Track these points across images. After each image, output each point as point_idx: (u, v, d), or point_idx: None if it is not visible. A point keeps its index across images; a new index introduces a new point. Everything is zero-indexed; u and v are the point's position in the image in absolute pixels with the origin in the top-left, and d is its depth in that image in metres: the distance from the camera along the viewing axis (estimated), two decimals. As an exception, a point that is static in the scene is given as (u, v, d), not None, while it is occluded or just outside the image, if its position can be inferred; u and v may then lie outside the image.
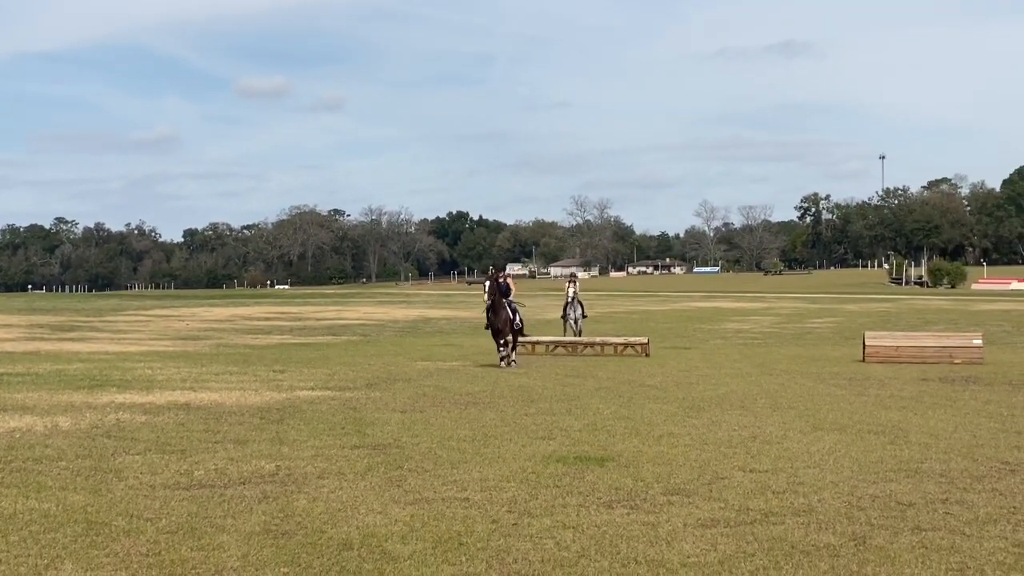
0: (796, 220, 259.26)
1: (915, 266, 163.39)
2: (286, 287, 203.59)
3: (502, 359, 26.45)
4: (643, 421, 15.61)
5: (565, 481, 10.80)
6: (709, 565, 7.74)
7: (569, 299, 36.62)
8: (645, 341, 31.74)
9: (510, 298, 27.42)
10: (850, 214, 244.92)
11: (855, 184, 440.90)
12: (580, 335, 35.70)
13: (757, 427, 15.02)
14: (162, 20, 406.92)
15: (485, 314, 27.18)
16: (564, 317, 37.03)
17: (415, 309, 75.79)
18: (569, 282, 37.77)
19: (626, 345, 31.58)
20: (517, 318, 27.22)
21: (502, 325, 26.64)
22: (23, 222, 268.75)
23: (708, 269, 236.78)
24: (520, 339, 28.17)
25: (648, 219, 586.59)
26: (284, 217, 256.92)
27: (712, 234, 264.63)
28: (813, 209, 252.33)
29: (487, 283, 27.21)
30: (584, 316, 37.54)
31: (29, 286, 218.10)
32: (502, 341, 26.60)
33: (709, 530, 8.76)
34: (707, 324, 54.54)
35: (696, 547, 8.23)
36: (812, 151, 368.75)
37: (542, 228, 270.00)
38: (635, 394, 19.59)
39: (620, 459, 12.16)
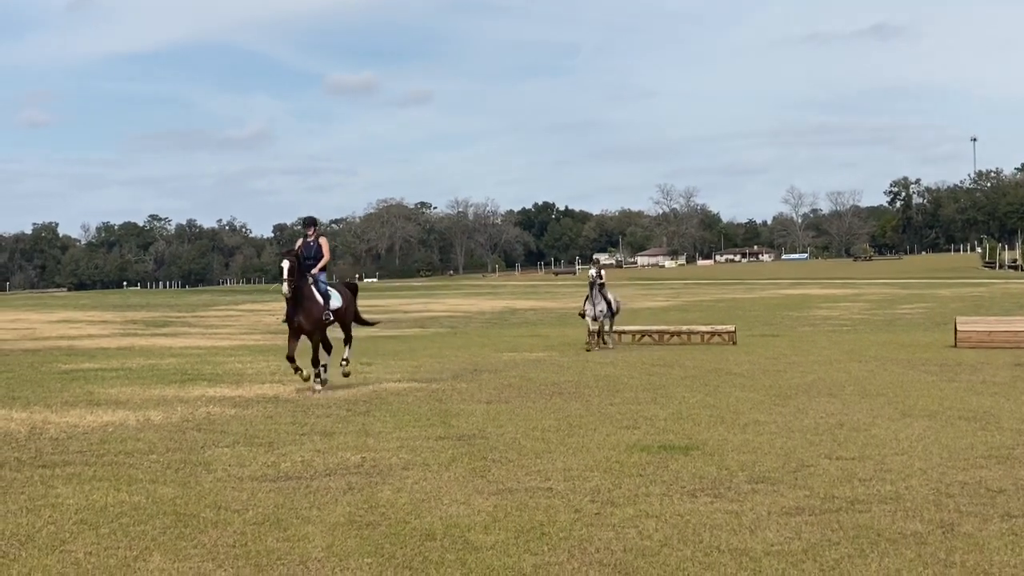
0: (886, 205, 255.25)
1: (1009, 249, 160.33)
2: (374, 280, 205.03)
3: (298, 372, 18.34)
4: (729, 409, 15.51)
5: (649, 470, 10.76)
6: (793, 554, 7.67)
7: (592, 272, 29.82)
8: (732, 329, 31.52)
9: (317, 271, 18.83)
10: (941, 198, 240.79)
11: (947, 167, 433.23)
12: (603, 331, 29.59)
13: (845, 414, 14.85)
14: (252, 18, 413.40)
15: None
16: (583, 314, 29.75)
17: (502, 300, 75.98)
18: (592, 269, 30.52)
19: (713, 333, 31.38)
20: (333, 304, 18.99)
21: (305, 319, 18.32)
22: (118, 220, 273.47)
23: (796, 256, 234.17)
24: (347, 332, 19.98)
25: (735, 206, 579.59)
26: (371, 211, 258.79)
27: (800, 220, 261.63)
28: (903, 193, 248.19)
29: (284, 262, 18.19)
30: (614, 312, 29.94)
31: (124, 283, 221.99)
32: (297, 350, 18.40)
33: (794, 518, 8.68)
34: (795, 311, 53.99)
35: (780, 535, 8.16)
36: (903, 135, 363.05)
37: (628, 217, 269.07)
38: (721, 382, 19.46)
39: (705, 447, 12.09)
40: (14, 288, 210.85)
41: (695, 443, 12.42)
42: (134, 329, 45.05)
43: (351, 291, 20.47)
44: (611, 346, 29.70)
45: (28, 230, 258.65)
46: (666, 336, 31.93)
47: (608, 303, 29.46)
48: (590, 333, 29.26)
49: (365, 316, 21.67)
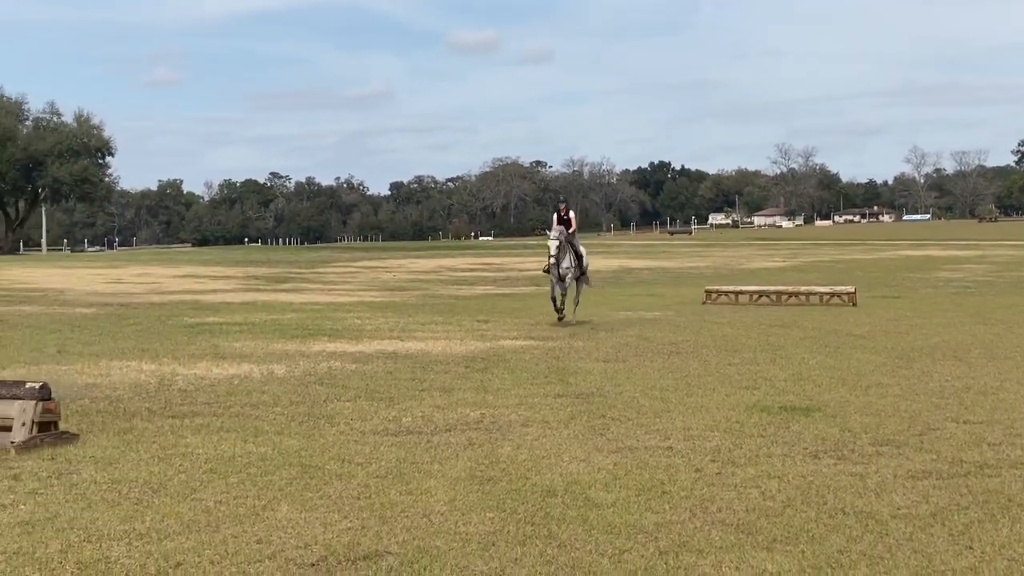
0: (1013, 165, 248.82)
1: None
2: (490, 238, 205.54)
3: None
4: (850, 371, 15.29)
5: (770, 431, 10.67)
6: (920, 517, 7.54)
7: (553, 250, 23.49)
8: (852, 290, 31.03)
9: None
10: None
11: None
12: (572, 300, 24.19)
13: (971, 378, 14.54)
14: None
15: None
16: (547, 270, 24.02)
17: (617, 259, 75.69)
18: (557, 219, 24.27)
19: (832, 294, 30.93)
20: None
21: None
22: (240, 177, 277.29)
23: (918, 217, 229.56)
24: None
25: (855, 167, 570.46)
26: (487, 169, 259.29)
27: (922, 181, 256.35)
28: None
29: None
30: (584, 271, 24.44)
31: (245, 239, 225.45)
32: None
33: (920, 482, 8.54)
34: (917, 273, 52.94)
35: (907, 499, 8.03)
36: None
37: (745, 177, 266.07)
38: (842, 344, 19.19)
39: (826, 409, 11.94)
40: (140, 243, 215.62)
41: (816, 404, 12.28)
42: (256, 284, 45.84)
43: None
44: (573, 321, 23.70)
45: (154, 187, 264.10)
46: (784, 297, 31.54)
47: (579, 257, 24.10)
48: (559, 295, 23.69)
49: None
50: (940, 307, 29.31)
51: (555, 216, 24.39)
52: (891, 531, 7.22)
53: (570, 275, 23.71)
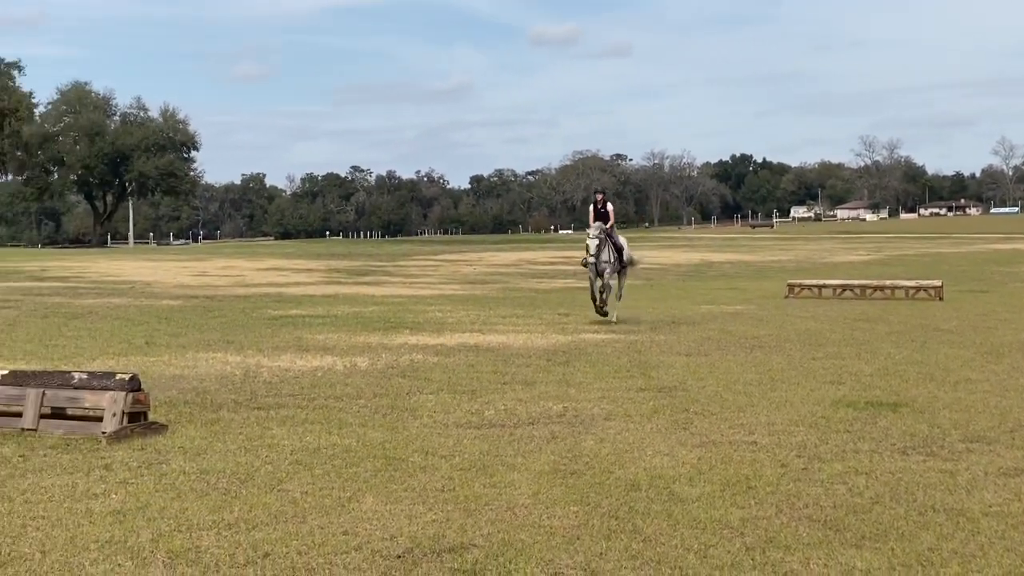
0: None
1: None
2: (570, 232, 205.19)
3: None
4: (938, 366, 15.07)
5: (856, 426, 10.55)
6: (1013, 515, 7.41)
7: (592, 244, 22.21)
8: (939, 284, 30.59)
9: None
10: None
11: None
12: (609, 296, 22.58)
13: (1063, 374, 14.25)
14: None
15: None
16: (585, 263, 22.71)
17: (698, 253, 75.29)
18: (593, 212, 23.11)
19: (918, 288, 30.52)
20: None
21: None
22: (322, 171, 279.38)
23: (1006, 210, 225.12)
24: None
25: (941, 159, 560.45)
26: (567, 162, 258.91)
27: (1011, 173, 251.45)
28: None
29: None
30: (624, 263, 23.21)
31: (327, 232, 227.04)
32: None
33: (1013, 479, 8.39)
34: (1006, 267, 52.00)
35: (999, 496, 7.90)
36: None
37: (828, 170, 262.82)
38: (928, 338, 18.91)
39: (914, 404, 11.78)
40: (224, 236, 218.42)
41: (904, 400, 12.12)
42: (338, 277, 46.16)
43: None
44: (613, 319, 22.27)
45: (238, 180, 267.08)
46: (868, 291, 31.18)
47: (619, 250, 22.71)
48: (599, 292, 22.39)
49: None
50: (1030, 301, 28.79)
51: (591, 209, 23.10)
52: (983, 529, 7.11)
53: (609, 269, 22.28)
